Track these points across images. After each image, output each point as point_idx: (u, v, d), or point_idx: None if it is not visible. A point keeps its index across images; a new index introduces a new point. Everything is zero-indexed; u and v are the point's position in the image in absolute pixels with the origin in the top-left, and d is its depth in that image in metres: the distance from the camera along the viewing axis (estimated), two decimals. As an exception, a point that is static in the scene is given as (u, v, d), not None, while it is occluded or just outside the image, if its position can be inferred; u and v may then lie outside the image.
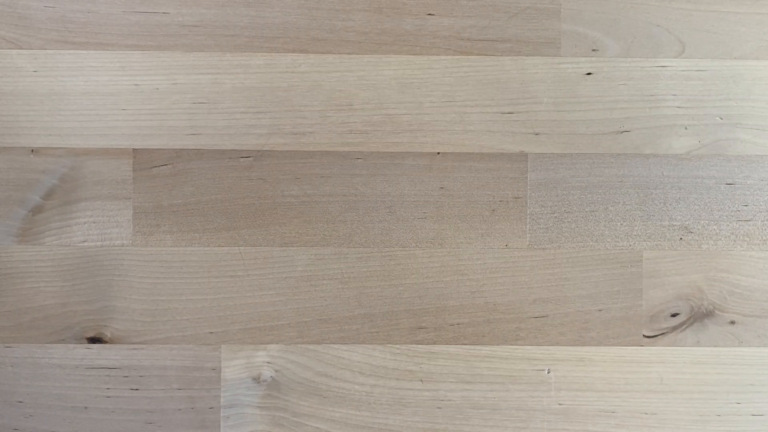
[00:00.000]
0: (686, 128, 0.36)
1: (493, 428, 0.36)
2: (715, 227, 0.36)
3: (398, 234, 0.36)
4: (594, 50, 0.36)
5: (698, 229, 0.36)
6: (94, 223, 0.36)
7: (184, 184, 0.36)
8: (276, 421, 0.36)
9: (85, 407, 0.36)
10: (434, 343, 0.36)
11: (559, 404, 0.36)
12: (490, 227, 0.36)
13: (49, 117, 0.36)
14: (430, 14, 0.36)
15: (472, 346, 0.36)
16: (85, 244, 0.35)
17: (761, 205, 0.36)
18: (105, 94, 0.36)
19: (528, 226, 0.36)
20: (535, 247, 0.36)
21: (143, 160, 0.36)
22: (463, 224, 0.36)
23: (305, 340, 0.36)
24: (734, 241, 0.36)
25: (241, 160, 0.36)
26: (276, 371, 0.36)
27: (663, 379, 0.36)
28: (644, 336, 0.36)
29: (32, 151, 0.35)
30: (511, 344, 0.36)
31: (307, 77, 0.36)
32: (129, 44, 0.36)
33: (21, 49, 0.36)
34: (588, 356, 0.36)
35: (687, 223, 0.36)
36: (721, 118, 0.36)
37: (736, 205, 0.36)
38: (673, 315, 0.36)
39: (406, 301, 0.36)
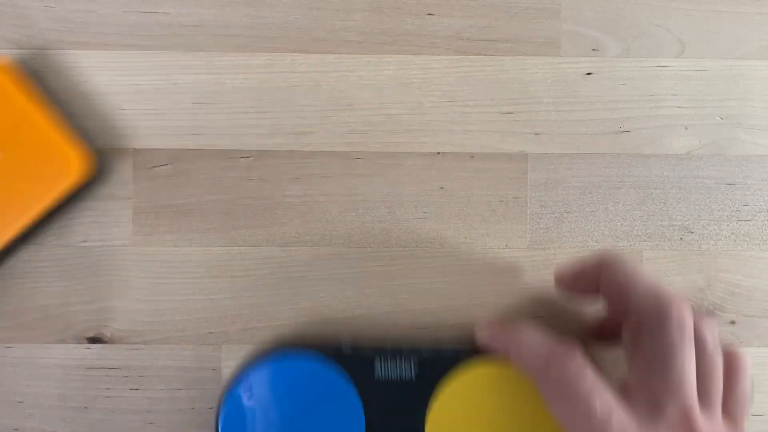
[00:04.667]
0: (686, 128, 0.36)
1: (493, 428, 0.36)
2: (715, 227, 0.36)
3: (398, 234, 0.36)
4: (594, 50, 0.36)
5: (698, 229, 0.36)
6: (94, 223, 0.36)
7: (184, 184, 0.36)
8: (276, 421, 0.36)
9: (85, 407, 0.36)
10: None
11: (559, 404, 0.36)
12: (490, 227, 0.36)
13: (49, 117, 0.36)
14: (430, 14, 0.36)
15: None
16: (85, 244, 0.35)
17: (761, 205, 0.36)
18: (105, 94, 0.36)
19: (528, 227, 0.36)
20: (535, 247, 0.36)
21: (143, 160, 0.36)
22: (463, 224, 0.36)
23: (305, 341, 0.36)
24: (734, 241, 0.36)
25: (241, 160, 0.36)
26: (276, 371, 0.36)
27: (663, 379, 0.36)
28: (644, 336, 0.36)
29: (32, 151, 0.36)
30: (511, 344, 0.36)
31: (307, 77, 0.36)
32: (129, 44, 0.36)
33: (21, 49, 0.36)
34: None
35: (687, 223, 0.36)
36: (722, 118, 0.36)
37: (736, 205, 0.36)
38: (673, 315, 0.36)
39: (406, 301, 0.36)
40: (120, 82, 0.36)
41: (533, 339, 0.31)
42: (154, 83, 0.36)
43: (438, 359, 0.33)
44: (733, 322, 0.36)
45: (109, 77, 0.36)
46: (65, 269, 0.35)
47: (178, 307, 0.36)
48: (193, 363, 0.36)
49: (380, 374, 0.32)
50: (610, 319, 0.34)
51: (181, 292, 0.36)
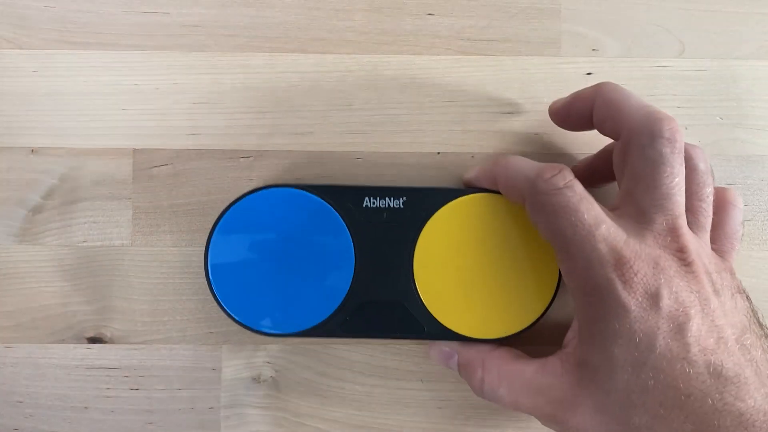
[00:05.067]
0: (686, 128, 0.36)
1: (494, 428, 0.36)
2: (715, 227, 0.36)
3: (398, 234, 0.36)
4: (594, 50, 0.36)
5: (698, 229, 0.36)
6: (94, 223, 0.36)
7: (184, 184, 0.36)
8: (276, 421, 0.36)
9: (85, 407, 0.36)
10: (434, 343, 0.36)
11: (559, 404, 0.36)
12: (490, 227, 0.36)
13: (49, 117, 0.36)
14: (430, 14, 0.36)
15: (472, 346, 0.36)
16: (85, 244, 0.35)
17: (761, 205, 0.36)
18: (105, 94, 0.36)
19: (528, 226, 0.36)
20: (535, 247, 0.36)
21: (143, 160, 0.36)
22: (463, 224, 0.36)
23: (305, 340, 0.36)
24: (734, 241, 0.36)
25: (241, 160, 0.36)
26: (276, 371, 0.36)
27: (663, 379, 0.36)
28: (644, 336, 0.36)
29: (32, 151, 0.35)
30: (512, 344, 0.36)
31: (307, 77, 0.36)
32: (129, 44, 0.36)
33: (21, 49, 0.36)
34: (588, 356, 0.36)
35: (687, 223, 0.36)
36: (721, 118, 0.36)
37: (736, 205, 0.36)
38: (673, 315, 0.36)
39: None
40: (120, 82, 0.36)
41: (522, 162, 0.31)
42: (154, 83, 0.36)
43: (429, 193, 0.33)
44: (733, 322, 0.36)
45: (109, 77, 0.36)
46: (65, 269, 0.35)
47: (178, 307, 0.36)
48: (193, 363, 0.36)
49: (369, 204, 0.32)
50: (599, 159, 0.34)
51: (181, 292, 0.36)
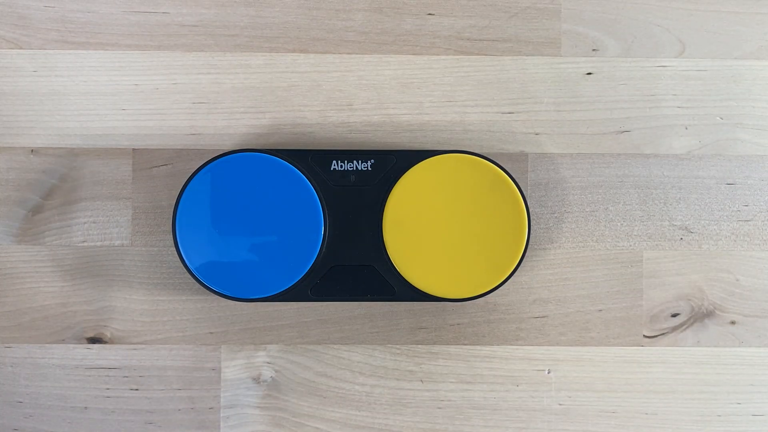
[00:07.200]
0: (686, 128, 0.36)
1: (494, 428, 0.36)
2: (715, 227, 0.36)
3: (398, 234, 0.36)
4: (594, 50, 0.36)
5: (698, 229, 0.36)
6: (94, 223, 0.36)
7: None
8: (276, 421, 0.36)
9: (85, 407, 0.36)
10: (434, 343, 0.36)
11: (559, 404, 0.36)
12: (490, 227, 0.36)
13: (49, 117, 0.36)
14: (430, 14, 0.36)
15: (472, 346, 0.36)
16: (85, 244, 0.35)
17: (761, 205, 0.36)
18: (105, 94, 0.36)
19: (528, 226, 0.36)
20: (535, 247, 0.36)
21: (143, 160, 0.36)
22: (463, 224, 0.36)
23: (305, 340, 0.36)
24: (734, 241, 0.36)
25: (241, 160, 0.36)
26: (276, 371, 0.36)
27: (663, 379, 0.36)
28: (644, 336, 0.36)
29: (32, 151, 0.35)
30: (511, 344, 0.36)
31: (307, 77, 0.36)
32: (129, 44, 0.36)
33: (21, 49, 0.36)
34: (588, 356, 0.36)
35: (687, 223, 0.36)
36: (722, 118, 0.36)
37: (737, 205, 0.36)
38: (674, 315, 0.36)
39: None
40: (120, 82, 0.36)
41: None
42: (154, 83, 0.36)
43: (396, 156, 0.33)
44: (733, 322, 0.36)
45: (109, 77, 0.36)
46: (65, 269, 0.35)
47: (178, 307, 0.36)
48: (193, 363, 0.36)
49: (336, 167, 0.33)
50: None
51: (181, 292, 0.36)
